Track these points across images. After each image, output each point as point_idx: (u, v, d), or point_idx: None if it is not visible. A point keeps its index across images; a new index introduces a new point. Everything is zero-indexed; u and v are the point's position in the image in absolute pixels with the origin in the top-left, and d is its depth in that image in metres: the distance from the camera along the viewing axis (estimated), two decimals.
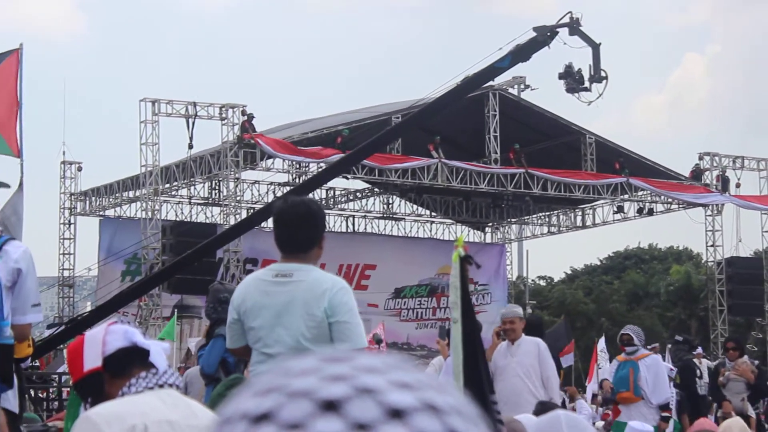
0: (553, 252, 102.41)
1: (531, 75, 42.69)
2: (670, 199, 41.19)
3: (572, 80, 26.54)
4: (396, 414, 1.06)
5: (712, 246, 41.49)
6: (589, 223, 45.81)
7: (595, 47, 26.28)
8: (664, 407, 13.70)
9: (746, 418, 14.21)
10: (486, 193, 39.99)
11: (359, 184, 43.71)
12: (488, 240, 48.11)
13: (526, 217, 46.62)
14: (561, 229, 47.16)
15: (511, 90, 41.10)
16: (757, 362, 17.76)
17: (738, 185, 40.25)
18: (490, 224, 47.61)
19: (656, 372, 14.12)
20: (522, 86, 43.04)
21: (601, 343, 27.14)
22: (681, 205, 41.48)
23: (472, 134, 39.29)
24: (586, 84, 26.44)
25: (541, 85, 42.75)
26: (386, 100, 42.04)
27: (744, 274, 40.94)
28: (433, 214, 45.93)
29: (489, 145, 38.76)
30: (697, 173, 40.34)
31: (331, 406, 1.06)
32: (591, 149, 40.02)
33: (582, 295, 62.93)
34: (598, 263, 75.26)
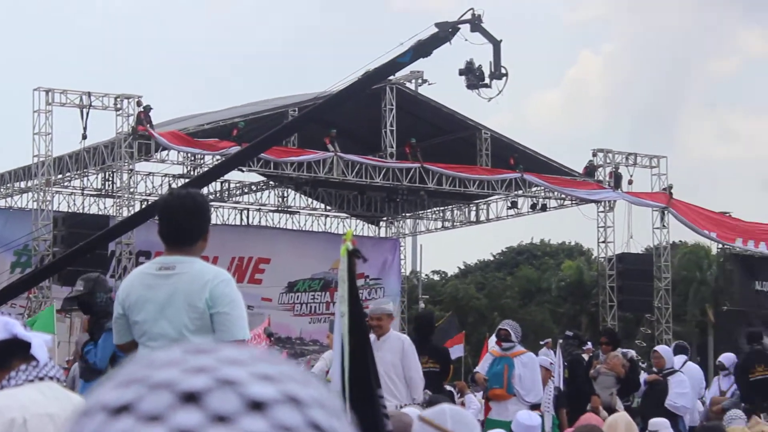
0: (447, 247, 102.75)
1: (429, 70, 42.86)
2: (563, 195, 41.65)
3: (473, 77, 26.69)
4: (256, 406, 1.05)
5: (603, 242, 42.02)
6: (483, 218, 46.13)
7: (496, 44, 26.45)
8: (536, 406, 13.59)
9: (615, 412, 14.28)
10: (381, 187, 40.11)
11: (254, 177, 43.57)
12: (382, 234, 48.23)
13: (420, 212, 46.83)
14: (455, 224, 47.41)
15: (408, 84, 41.24)
16: (632, 354, 17.89)
17: (630, 182, 40.77)
18: (385, 218, 47.73)
19: (532, 370, 14.02)
20: (420, 81, 43.23)
21: (493, 339, 27.33)
22: (574, 201, 41.94)
23: (369, 128, 39.35)
24: (487, 81, 26.60)
25: (438, 80, 43.05)
26: (284, 94, 41.87)
27: (634, 270, 41.49)
28: (328, 207, 45.92)
29: (385, 139, 38.87)
30: (590, 170, 40.79)
31: (191, 398, 1.05)
32: (486, 144, 40.32)
33: (474, 291, 63.41)
34: (492, 258, 75.88)
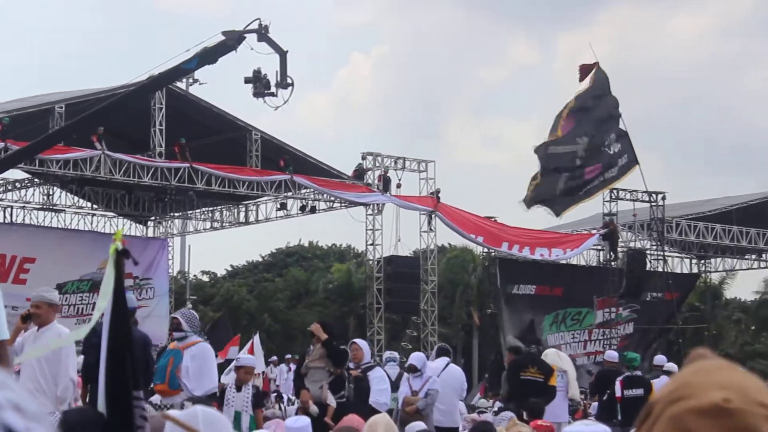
0: (216, 247, 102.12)
1: (200, 69, 42.46)
2: (332, 198, 41.87)
3: (259, 85, 26.74)
4: None
5: (372, 245, 42.44)
6: (252, 219, 46.04)
7: (283, 54, 26.57)
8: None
9: (325, 406, 14.13)
10: (149, 186, 39.60)
11: (18, 174, 42.36)
12: (150, 234, 47.62)
13: (189, 212, 46.42)
14: (224, 224, 47.17)
15: (178, 84, 40.79)
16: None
17: (399, 186, 41.24)
18: (153, 218, 47.15)
19: (203, 360, 13.53)
20: (190, 80, 42.84)
21: (257, 338, 27.24)
22: (343, 204, 42.21)
23: (137, 127, 38.79)
24: (273, 89, 26.68)
25: (210, 80, 42.71)
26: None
27: (402, 272, 42.04)
28: (95, 206, 45.03)
29: (154, 139, 38.39)
30: (359, 172, 41.09)
31: None
32: (257, 146, 40.26)
33: (245, 292, 63.18)
34: (261, 260, 75.76)
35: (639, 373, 22.51)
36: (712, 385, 1.76)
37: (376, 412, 13.94)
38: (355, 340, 16.82)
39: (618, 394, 19.86)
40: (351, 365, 15.60)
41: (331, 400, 14.15)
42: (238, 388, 14.32)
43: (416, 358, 16.76)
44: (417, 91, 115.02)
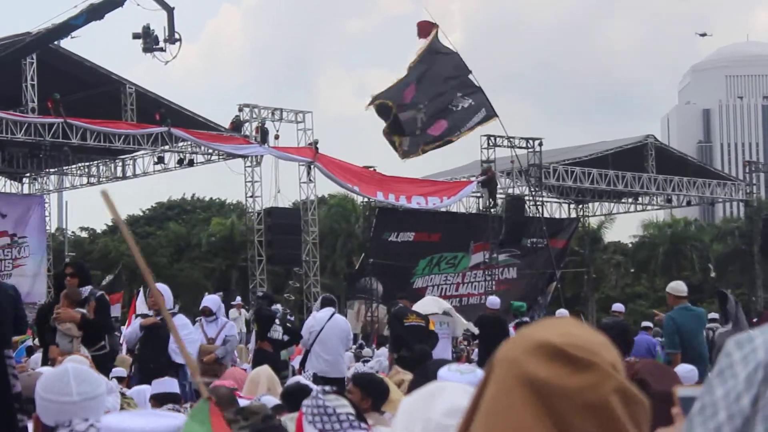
0: (95, 203, 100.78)
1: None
2: (210, 150, 41.50)
3: (149, 40, 26.65)
4: None
5: (251, 197, 42.20)
6: (129, 173, 45.49)
7: (170, 10, 26.44)
8: None
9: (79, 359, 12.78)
10: (23, 143, 38.78)
11: None
12: (26, 191, 46.84)
13: (65, 168, 45.70)
14: (101, 179, 46.47)
15: None
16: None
17: (277, 137, 40.93)
18: (28, 175, 46.35)
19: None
20: None
21: (141, 297, 27.00)
22: (221, 157, 41.87)
23: (8, 82, 37.90)
24: (162, 45, 26.63)
25: (81, 33, 41.88)
26: None
27: (282, 224, 41.88)
28: None
29: (26, 94, 37.59)
30: (236, 124, 40.67)
31: None
32: (131, 99, 39.70)
33: (126, 248, 62.55)
34: (141, 214, 75.00)
35: (527, 319, 22.83)
36: (546, 330, 1.88)
37: (175, 364, 13.38)
38: (158, 284, 13.24)
39: None
40: (150, 312, 14.61)
41: (84, 352, 12.44)
42: None
43: (210, 300, 15.95)
44: (288, 43, 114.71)
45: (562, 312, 24.93)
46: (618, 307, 23.23)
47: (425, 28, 37.46)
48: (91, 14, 20.32)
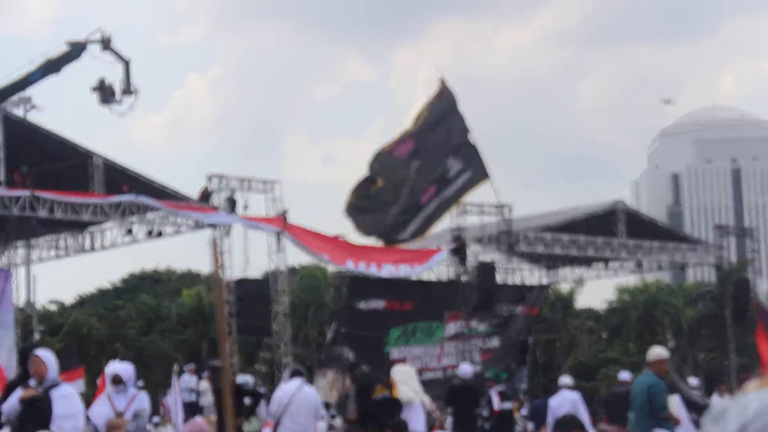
0: (64, 276, 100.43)
1: (38, 95, 41.67)
2: (179, 221, 41.25)
3: (105, 93, 26.73)
4: None
5: (220, 267, 41.85)
6: (98, 245, 45.16)
7: (126, 63, 26.55)
8: None
9: None
10: None
11: None
12: None
13: (33, 240, 45.34)
14: (69, 252, 46.12)
15: (16, 110, 39.84)
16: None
17: (246, 207, 40.77)
18: None
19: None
20: (28, 107, 41.84)
21: (111, 366, 26.60)
22: (190, 227, 41.61)
23: None
24: (118, 97, 26.72)
25: (48, 105, 41.85)
26: None
27: (252, 294, 41.55)
28: None
29: None
30: (206, 195, 40.49)
31: None
32: (99, 171, 39.49)
33: (95, 321, 62.06)
34: (110, 287, 74.58)
35: (503, 388, 22.74)
36: None
37: None
38: (37, 351, 12.56)
39: (496, 407, 20.06)
40: (31, 382, 12.29)
41: None
42: None
43: (121, 368, 13.89)
44: (254, 111, 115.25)
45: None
46: (624, 376, 23.01)
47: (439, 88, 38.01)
48: (49, 68, 20.34)
